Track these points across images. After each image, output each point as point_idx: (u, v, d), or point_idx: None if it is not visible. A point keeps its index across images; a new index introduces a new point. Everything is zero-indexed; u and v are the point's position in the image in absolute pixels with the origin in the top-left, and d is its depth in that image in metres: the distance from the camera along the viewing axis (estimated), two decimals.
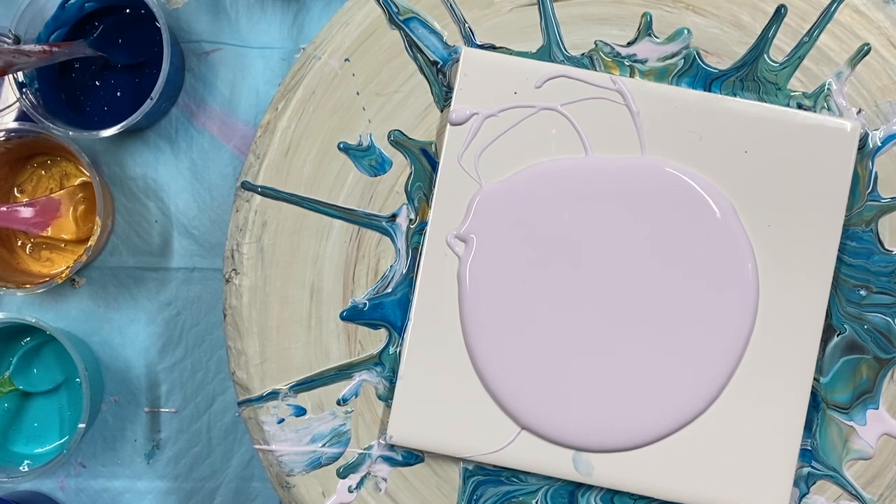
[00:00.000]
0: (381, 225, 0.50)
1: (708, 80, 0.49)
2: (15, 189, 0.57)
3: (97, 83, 0.56)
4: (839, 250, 0.48)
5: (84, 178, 0.56)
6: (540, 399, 0.47)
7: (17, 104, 0.55)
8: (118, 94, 0.56)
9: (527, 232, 0.48)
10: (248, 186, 0.50)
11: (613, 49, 0.49)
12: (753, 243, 0.48)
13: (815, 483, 0.48)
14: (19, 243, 0.57)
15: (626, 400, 0.47)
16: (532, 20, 0.49)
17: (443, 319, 0.48)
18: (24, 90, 0.53)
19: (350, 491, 0.49)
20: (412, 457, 0.49)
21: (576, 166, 0.48)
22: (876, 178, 0.48)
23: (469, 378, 0.48)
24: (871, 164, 0.48)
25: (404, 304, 0.49)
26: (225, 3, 0.57)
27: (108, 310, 0.57)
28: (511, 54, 0.49)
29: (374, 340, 0.50)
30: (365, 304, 0.50)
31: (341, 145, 0.50)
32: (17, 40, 0.52)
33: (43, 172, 0.57)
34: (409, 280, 0.49)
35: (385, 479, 0.49)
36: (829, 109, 0.49)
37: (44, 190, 0.57)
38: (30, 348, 0.55)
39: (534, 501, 0.48)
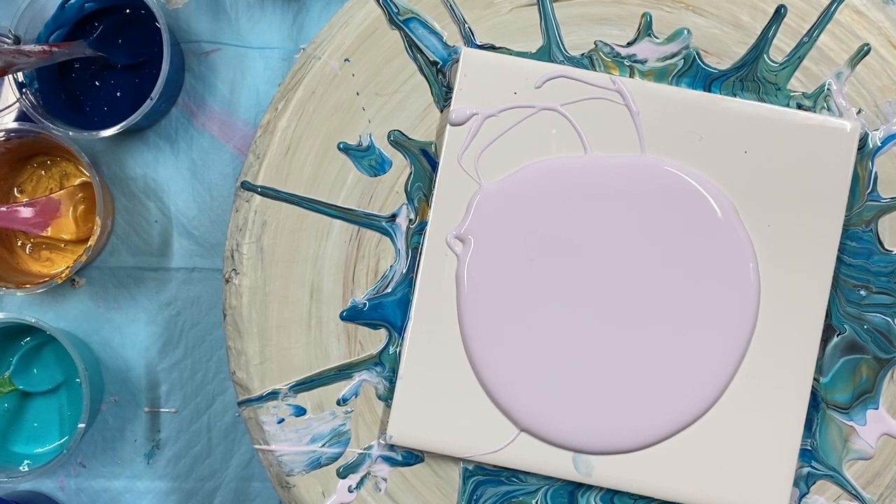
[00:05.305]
0: (380, 225, 0.50)
1: (708, 81, 0.49)
2: (15, 189, 0.57)
3: (97, 83, 0.56)
4: (839, 250, 0.48)
5: (84, 178, 0.56)
6: (539, 402, 0.47)
7: (17, 104, 0.55)
8: (118, 94, 0.56)
9: (526, 232, 0.48)
10: (247, 186, 0.50)
11: (613, 49, 0.49)
12: (753, 243, 0.48)
13: (815, 483, 0.48)
14: (19, 243, 0.57)
15: (626, 402, 0.47)
16: (532, 20, 0.49)
17: (443, 320, 0.48)
18: (24, 90, 0.53)
19: (350, 491, 0.49)
20: (412, 457, 0.49)
21: (576, 166, 0.48)
22: (876, 178, 0.48)
23: (469, 378, 0.48)
24: (870, 164, 0.48)
25: (404, 304, 0.49)
26: (225, 3, 0.57)
27: (108, 310, 0.57)
28: (511, 54, 0.49)
29: (374, 340, 0.50)
30: (365, 304, 0.50)
31: (341, 145, 0.50)
32: (17, 40, 0.52)
33: (43, 172, 0.57)
34: (408, 280, 0.49)
35: (385, 479, 0.49)
36: (828, 109, 0.49)
37: (44, 190, 0.57)
38: (30, 348, 0.55)
39: (534, 501, 0.48)
